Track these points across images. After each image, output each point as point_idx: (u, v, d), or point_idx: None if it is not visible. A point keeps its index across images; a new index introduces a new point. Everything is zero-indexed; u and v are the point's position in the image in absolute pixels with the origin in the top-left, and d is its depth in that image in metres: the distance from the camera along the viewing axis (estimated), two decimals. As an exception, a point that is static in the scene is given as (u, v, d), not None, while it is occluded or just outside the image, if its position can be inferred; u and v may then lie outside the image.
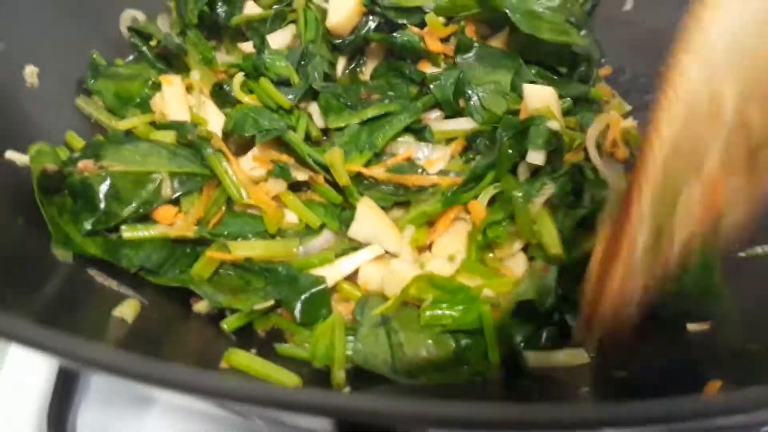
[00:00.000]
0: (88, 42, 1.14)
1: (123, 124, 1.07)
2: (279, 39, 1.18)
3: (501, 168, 0.96)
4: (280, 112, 1.06)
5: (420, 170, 1.02)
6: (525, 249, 0.96)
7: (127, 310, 0.80)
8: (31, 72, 1.05)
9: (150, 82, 1.11)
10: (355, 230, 0.95)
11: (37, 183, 0.88)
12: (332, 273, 0.91)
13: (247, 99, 1.08)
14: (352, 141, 1.02)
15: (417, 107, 1.05)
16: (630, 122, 1.13)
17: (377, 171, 0.99)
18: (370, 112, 1.04)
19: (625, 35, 1.30)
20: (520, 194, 0.93)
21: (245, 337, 0.85)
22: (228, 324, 0.86)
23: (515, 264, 0.95)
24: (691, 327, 0.84)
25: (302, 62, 1.11)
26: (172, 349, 0.79)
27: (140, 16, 1.26)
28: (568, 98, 1.08)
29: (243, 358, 0.77)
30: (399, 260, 0.92)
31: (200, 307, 0.89)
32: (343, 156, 0.97)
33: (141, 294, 0.86)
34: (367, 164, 1.01)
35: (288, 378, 0.74)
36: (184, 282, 0.89)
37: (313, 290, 0.88)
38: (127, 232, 0.88)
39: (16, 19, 1.04)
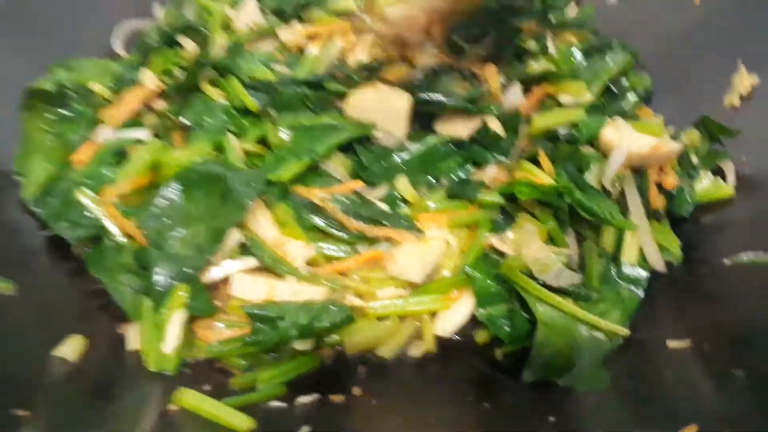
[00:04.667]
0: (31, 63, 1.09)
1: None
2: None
3: None
4: (240, 115, 1.03)
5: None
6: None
7: (68, 349, 0.76)
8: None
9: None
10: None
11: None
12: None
13: (213, 93, 1.05)
14: (294, 147, 0.97)
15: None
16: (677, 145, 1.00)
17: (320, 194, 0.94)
18: (326, 119, 0.99)
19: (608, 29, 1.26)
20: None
21: (199, 373, 0.80)
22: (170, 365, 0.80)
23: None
24: (672, 344, 0.81)
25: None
26: (118, 391, 0.74)
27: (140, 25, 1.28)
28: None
29: (193, 399, 0.72)
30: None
31: (132, 345, 0.83)
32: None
33: (89, 327, 0.81)
34: (305, 176, 0.96)
35: (240, 420, 0.70)
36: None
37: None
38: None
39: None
